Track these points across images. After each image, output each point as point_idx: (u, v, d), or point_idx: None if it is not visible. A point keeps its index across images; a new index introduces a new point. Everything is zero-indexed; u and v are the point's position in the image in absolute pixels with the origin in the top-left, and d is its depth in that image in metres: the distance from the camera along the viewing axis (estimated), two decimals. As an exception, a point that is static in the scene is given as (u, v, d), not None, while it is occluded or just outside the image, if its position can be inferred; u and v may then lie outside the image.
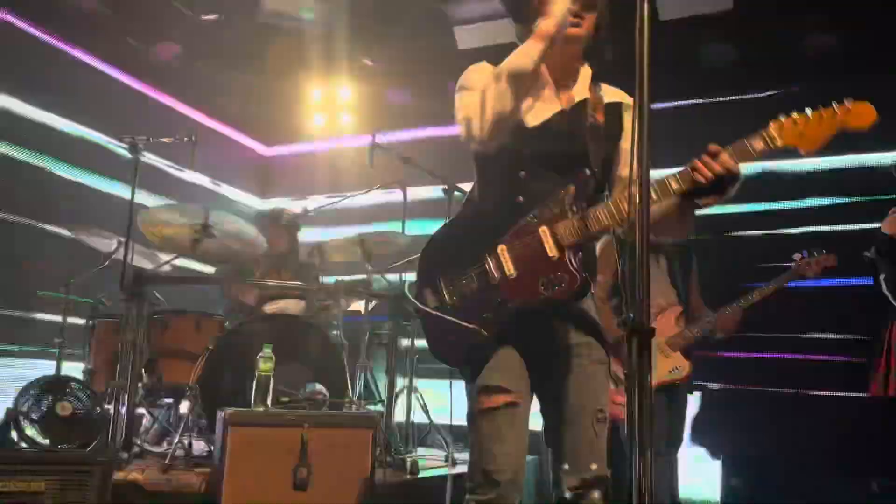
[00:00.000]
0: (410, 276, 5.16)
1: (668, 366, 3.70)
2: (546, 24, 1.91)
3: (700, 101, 5.86)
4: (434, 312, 1.99)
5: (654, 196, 1.84)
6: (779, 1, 5.42)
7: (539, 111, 2.03)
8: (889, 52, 5.22)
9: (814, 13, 5.24)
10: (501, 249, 1.96)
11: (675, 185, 1.85)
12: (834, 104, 1.78)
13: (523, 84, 1.92)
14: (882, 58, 5.30)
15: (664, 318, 3.73)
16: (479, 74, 2.05)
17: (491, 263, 1.97)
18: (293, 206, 7.31)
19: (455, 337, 1.96)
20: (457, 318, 1.95)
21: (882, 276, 3.82)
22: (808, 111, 1.79)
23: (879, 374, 3.65)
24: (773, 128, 1.81)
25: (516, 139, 1.99)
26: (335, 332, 4.43)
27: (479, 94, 1.95)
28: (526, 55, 1.92)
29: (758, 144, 1.81)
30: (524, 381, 1.97)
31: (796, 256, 3.77)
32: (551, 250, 1.92)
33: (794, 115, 1.80)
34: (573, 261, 1.92)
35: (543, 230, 1.94)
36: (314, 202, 7.15)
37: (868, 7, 5.19)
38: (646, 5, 1.64)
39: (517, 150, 2.00)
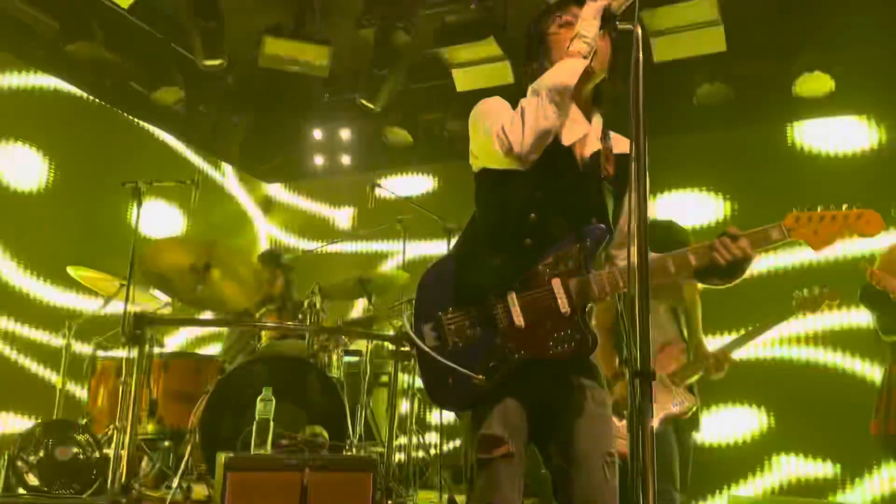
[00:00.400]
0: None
1: (671, 399, 3.68)
2: (578, 45, 1.91)
3: (694, 137, 5.94)
4: (436, 356, 1.90)
5: (672, 269, 1.88)
6: (771, 43, 5.55)
7: (571, 131, 2.00)
8: (884, 93, 5.32)
9: (806, 54, 5.34)
10: (511, 297, 1.90)
11: (693, 262, 1.87)
12: (844, 207, 1.86)
13: (564, 100, 1.90)
14: (876, 99, 5.40)
15: (666, 353, 3.71)
16: (499, 101, 2.04)
17: (499, 309, 1.90)
18: (292, 246, 7.36)
19: (455, 381, 1.89)
20: (458, 361, 1.88)
21: (875, 319, 3.84)
22: (820, 209, 1.87)
23: (880, 411, 3.64)
24: (789, 220, 1.87)
25: (525, 178, 1.94)
26: (335, 373, 4.42)
27: (512, 110, 1.94)
28: (568, 71, 1.91)
29: (774, 234, 1.88)
30: (523, 430, 1.92)
31: (796, 294, 3.78)
32: (564, 306, 1.87)
33: (809, 211, 1.87)
34: (585, 319, 1.88)
35: (556, 283, 1.89)
36: (314, 242, 7.19)
37: (862, 49, 5.30)
38: (640, 51, 1.70)
39: (526, 189, 1.96)
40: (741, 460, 5.41)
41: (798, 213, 1.88)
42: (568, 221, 1.95)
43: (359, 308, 6.23)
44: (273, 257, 5.36)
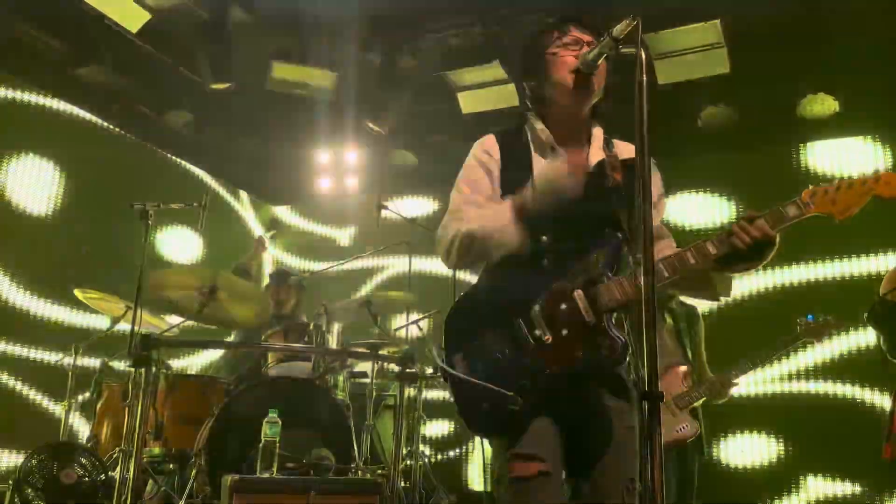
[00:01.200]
0: (415, 335, 5.22)
1: (675, 424, 3.65)
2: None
3: (699, 159, 5.96)
4: (468, 378, 1.91)
5: (692, 260, 1.86)
6: (775, 65, 5.58)
7: (548, 172, 1.98)
8: (889, 115, 5.34)
9: (810, 76, 5.37)
10: (535, 313, 1.91)
11: (712, 250, 1.85)
12: (863, 174, 1.84)
13: (492, 246, 1.95)
14: (882, 121, 5.41)
15: (671, 375, 3.69)
16: (473, 171, 2.08)
17: (524, 328, 1.91)
18: (299, 267, 7.38)
19: (489, 405, 1.88)
20: (491, 384, 1.87)
21: (882, 341, 3.78)
22: (836, 180, 1.84)
23: (893, 435, 3.56)
24: (805, 195, 1.84)
25: (532, 207, 1.95)
26: (341, 395, 4.41)
27: (485, 179, 2.02)
28: (498, 223, 1.93)
29: (792, 211, 1.84)
30: (558, 451, 1.90)
31: (800, 321, 3.77)
32: (588, 315, 1.88)
33: (824, 185, 1.84)
34: (611, 325, 1.87)
35: (579, 294, 1.89)
36: (319, 264, 7.21)
37: (866, 71, 5.33)
38: (644, 75, 1.71)
39: (534, 213, 1.95)
40: (761, 485, 5.34)
41: (814, 188, 1.84)
42: (581, 235, 1.96)
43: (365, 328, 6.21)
44: (285, 276, 5.39)
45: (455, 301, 2.08)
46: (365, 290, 6.88)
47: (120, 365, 4.69)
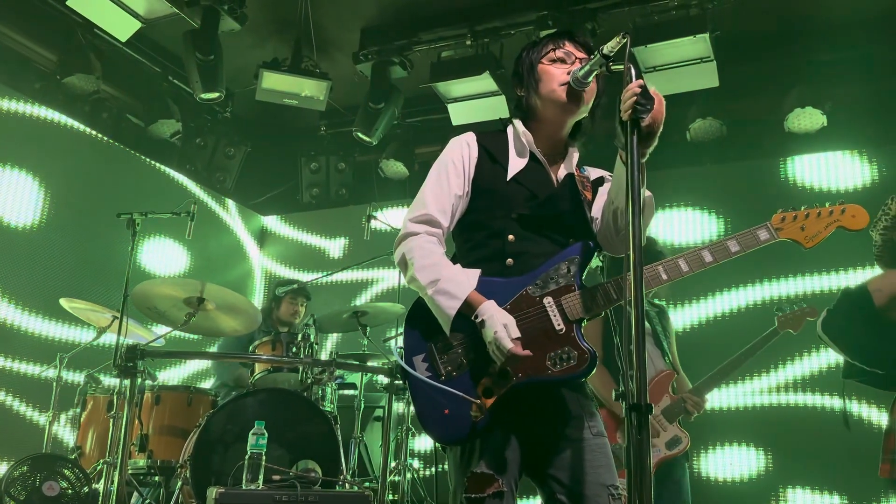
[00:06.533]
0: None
1: (665, 440, 3.58)
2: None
3: (688, 171, 5.99)
4: (431, 382, 1.85)
5: (663, 277, 1.90)
6: (762, 80, 5.63)
7: (519, 166, 2.02)
8: (875, 129, 5.38)
9: (797, 91, 5.41)
10: None
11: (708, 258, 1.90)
12: (828, 204, 1.90)
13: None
14: (868, 135, 5.45)
15: (657, 384, 3.60)
16: (438, 181, 2.03)
17: None
18: (289, 277, 7.35)
19: (451, 413, 1.83)
20: (453, 389, 1.82)
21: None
22: (804, 208, 1.91)
23: (889, 451, 3.47)
24: (775, 220, 1.91)
25: (500, 201, 1.97)
26: (328, 407, 4.38)
27: (446, 191, 1.99)
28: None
29: (763, 235, 1.90)
30: (515, 464, 1.86)
31: (777, 314, 3.77)
32: (559, 324, 1.85)
33: (793, 210, 1.91)
34: (581, 335, 1.85)
35: (549, 301, 1.88)
36: (309, 274, 7.18)
37: (851, 85, 5.38)
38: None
39: (502, 212, 1.97)
40: (744, 497, 5.31)
41: (783, 212, 1.91)
42: (548, 239, 1.97)
43: (354, 339, 6.19)
44: (301, 291, 5.38)
45: (417, 299, 1.99)
46: (355, 301, 6.86)
47: (105, 376, 4.64)
